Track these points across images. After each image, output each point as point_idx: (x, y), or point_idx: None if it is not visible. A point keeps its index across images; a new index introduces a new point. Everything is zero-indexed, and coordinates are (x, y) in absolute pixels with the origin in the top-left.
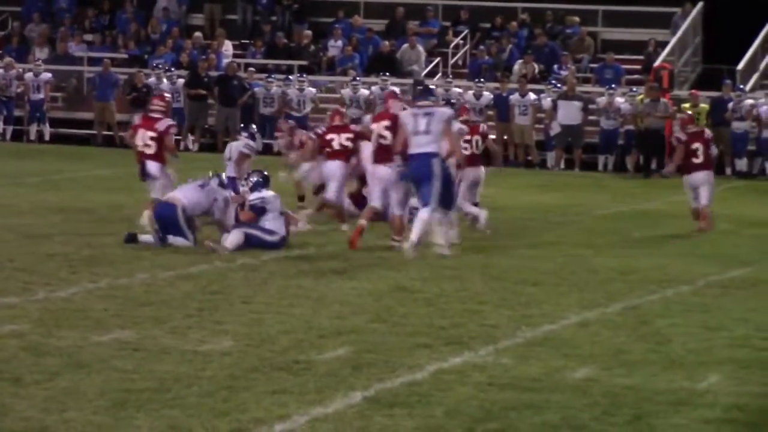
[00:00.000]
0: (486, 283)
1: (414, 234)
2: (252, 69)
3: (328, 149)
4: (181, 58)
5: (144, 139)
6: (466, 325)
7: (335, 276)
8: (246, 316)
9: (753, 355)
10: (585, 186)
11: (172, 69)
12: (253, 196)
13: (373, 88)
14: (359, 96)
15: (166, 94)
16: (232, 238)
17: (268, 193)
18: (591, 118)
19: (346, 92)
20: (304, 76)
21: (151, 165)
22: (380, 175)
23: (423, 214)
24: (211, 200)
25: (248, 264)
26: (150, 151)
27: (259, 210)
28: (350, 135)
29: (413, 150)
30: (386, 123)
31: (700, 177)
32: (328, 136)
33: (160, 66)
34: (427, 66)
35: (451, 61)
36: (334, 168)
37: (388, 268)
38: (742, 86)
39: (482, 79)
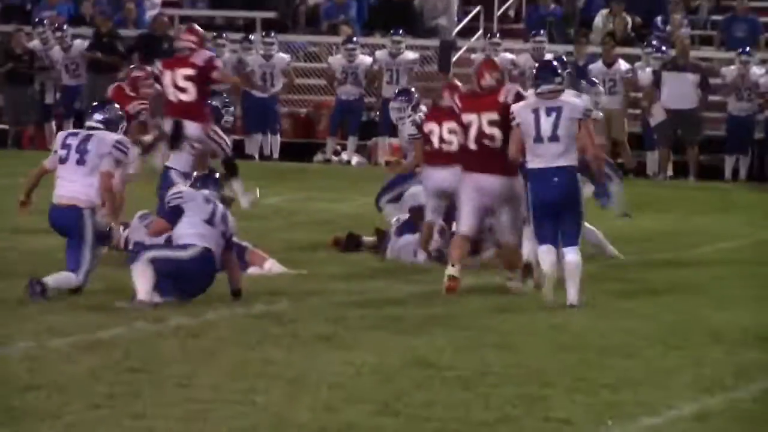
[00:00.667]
0: (553, 355)
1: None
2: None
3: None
4: (83, 10)
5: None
6: (523, 420)
7: (321, 344)
8: (182, 406)
9: None
10: (705, 203)
11: (66, 27)
12: (170, 193)
13: (379, 53)
14: (357, 66)
15: None
16: (139, 283)
17: (186, 188)
18: (713, 98)
19: (337, 60)
20: (273, 35)
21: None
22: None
23: (574, 257)
24: None
25: (186, 325)
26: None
27: (173, 214)
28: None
29: (534, 163)
30: (451, 125)
31: None
32: (427, 127)
33: (48, 22)
34: (461, 20)
35: (498, 12)
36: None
37: (400, 332)
38: None
39: (542, 32)
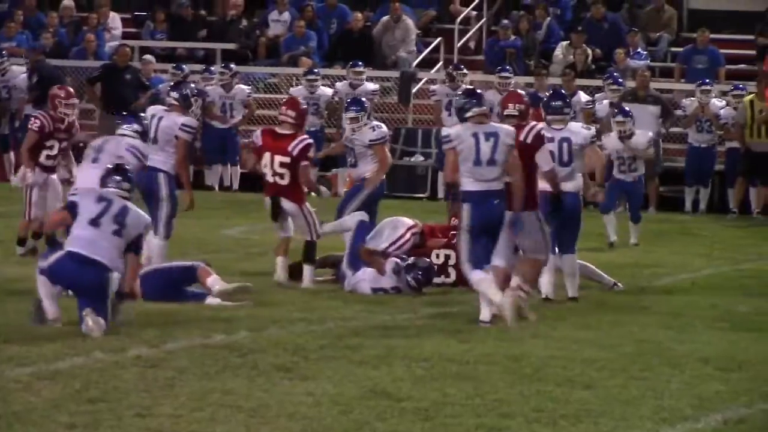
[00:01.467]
0: (513, 386)
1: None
2: (148, 57)
3: None
4: (44, 39)
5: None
6: None
7: (280, 374)
8: None
9: None
10: (665, 235)
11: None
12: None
13: (339, 84)
14: (318, 97)
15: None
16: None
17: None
18: (674, 130)
19: (298, 92)
20: (232, 67)
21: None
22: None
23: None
24: None
25: (145, 355)
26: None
27: (70, 209)
28: None
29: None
30: None
31: None
32: None
33: (4, 54)
34: (421, 52)
35: (458, 44)
36: None
37: (359, 363)
38: None
39: (508, 67)
